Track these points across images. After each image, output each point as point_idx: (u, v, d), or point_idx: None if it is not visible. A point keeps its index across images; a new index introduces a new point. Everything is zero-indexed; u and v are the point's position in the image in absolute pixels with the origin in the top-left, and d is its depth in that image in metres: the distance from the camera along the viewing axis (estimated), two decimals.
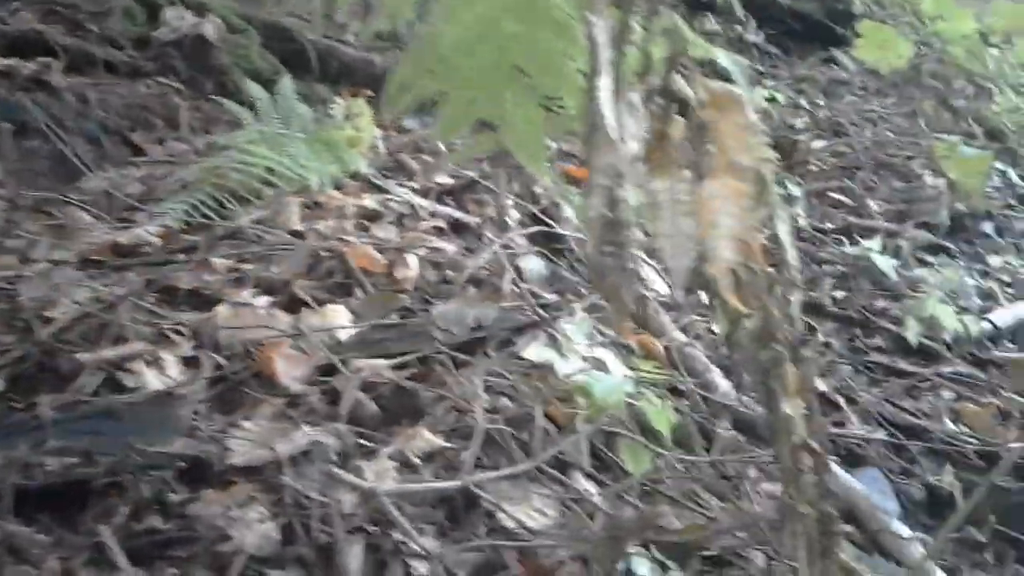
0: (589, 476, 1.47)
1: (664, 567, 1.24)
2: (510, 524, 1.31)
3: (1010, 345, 2.98)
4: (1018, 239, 3.63)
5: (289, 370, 1.55)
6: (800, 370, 1.00)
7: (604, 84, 0.81)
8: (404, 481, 1.34)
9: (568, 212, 2.66)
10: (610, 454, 1.55)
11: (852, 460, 2.35)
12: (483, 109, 1.04)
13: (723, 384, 2.06)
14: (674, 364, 2.07)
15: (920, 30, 4.91)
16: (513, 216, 2.61)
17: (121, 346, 1.52)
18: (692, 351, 2.20)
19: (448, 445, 1.42)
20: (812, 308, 2.97)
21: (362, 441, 1.42)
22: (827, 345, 2.82)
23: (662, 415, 1.54)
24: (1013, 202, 3.94)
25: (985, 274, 3.35)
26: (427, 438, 1.42)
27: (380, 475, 1.32)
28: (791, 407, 1.00)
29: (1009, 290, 3.26)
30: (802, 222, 3.33)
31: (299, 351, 1.60)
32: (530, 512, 1.36)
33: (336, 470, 1.24)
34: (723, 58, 1.00)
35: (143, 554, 1.19)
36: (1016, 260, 3.36)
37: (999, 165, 4.31)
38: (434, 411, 1.50)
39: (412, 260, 1.94)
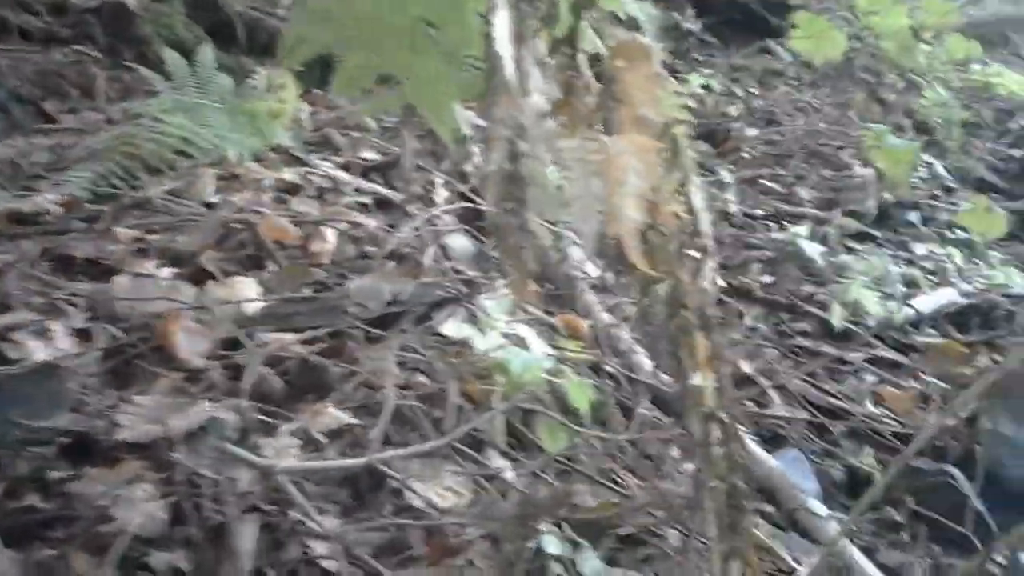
0: (504, 454, 1.43)
1: (576, 545, 1.20)
2: (418, 503, 1.26)
3: (931, 331, 3.03)
4: (942, 228, 3.70)
5: (190, 344, 1.47)
6: (710, 340, 0.96)
7: (501, 22, 0.76)
8: (307, 459, 1.27)
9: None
10: (527, 432, 1.51)
11: (774, 441, 2.35)
12: (384, 63, 0.98)
13: (647, 364, 2.04)
14: (599, 344, 2.05)
15: (854, 23, 4.97)
16: (441, 194, 2.55)
17: (5, 315, 1.42)
18: (617, 331, 2.18)
19: (356, 422, 1.36)
20: (741, 292, 2.98)
21: (264, 417, 1.35)
22: (754, 329, 2.83)
23: (581, 393, 1.50)
24: (938, 192, 4.01)
25: (910, 262, 3.40)
26: (334, 414, 1.36)
27: (281, 452, 1.25)
28: (701, 378, 0.97)
29: (932, 277, 3.31)
30: (733, 208, 3.34)
31: (202, 324, 1.52)
32: (441, 491, 1.31)
33: (230, 447, 1.17)
34: (633, 7, 0.95)
35: (18, 534, 1.11)
36: (939, 248, 3.42)
37: (926, 157, 4.40)
38: (343, 387, 1.43)
39: (329, 234, 1.87)
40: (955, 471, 2.36)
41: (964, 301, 3.12)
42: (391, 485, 1.28)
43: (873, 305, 2.85)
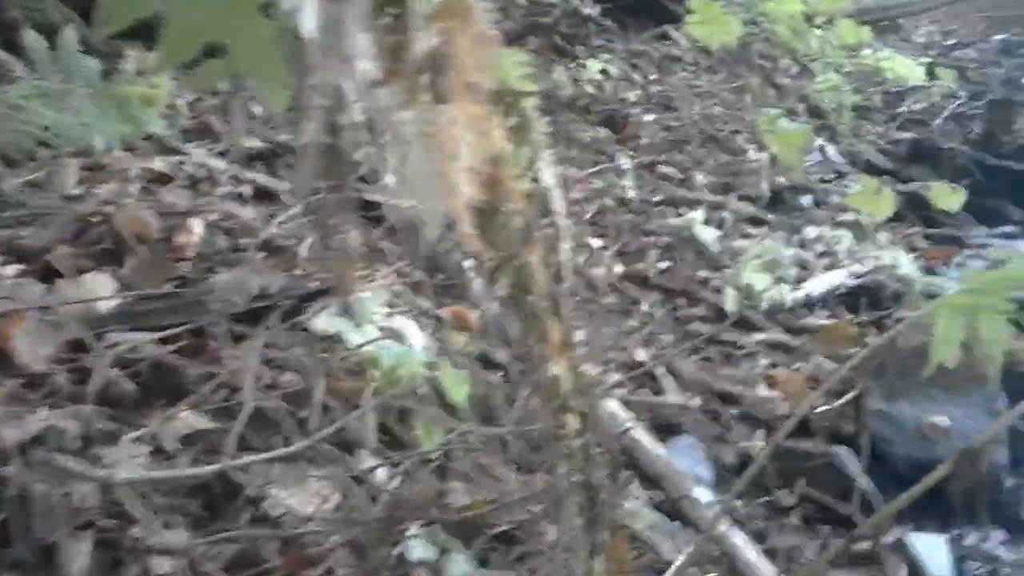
0: (377, 454, 1.36)
1: (444, 549, 1.14)
2: (278, 511, 1.18)
3: (822, 312, 3.09)
4: (834, 212, 3.78)
5: (32, 347, 1.35)
6: (563, 325, 0.92)
7: None
8: (156, 468, 1.18)
9: (387, 179, 2.53)
10: (403, 430, 1.44)
11: (669, 428, 2.36)
12: (208, 28, 0.89)
13: None
14: (488, 334, 2.00)
15: (750, 9, 5.04)
16: None
17: None
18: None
19: (213, 426, 1.28)
20: (637, 279, 2.98)
21: (112, 424, 1.25)
22: (650, 315, 2.83)
23: (458, 386, 1.45)
24: (830, 176, 4.10)
25: (802, 245, 3.46)
26: (187, 419, 1.27)
27: (125, 461, 1.16)
28: (554, 366, 0.93)
29: (824, 260, 3.38)
30: (630, 194, 3.34)
31: (47, 326, 1.41)
32: (306, 496, 1.24)
33: (58, 457, 1.07)
34: None
35: None
36: (830, 231, 3.49)
37: (819, 141, 4.50)
38: (201, 389, 1.34)
39: (196, 226, 1.76)
40: (843, 451, 2.40)
41: (853, 282, 3.20)
42: (249, 493, 1.20)
43: (764, 288, 2.89)
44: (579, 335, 0.98)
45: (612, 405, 1.83)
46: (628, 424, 1.76)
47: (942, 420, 2.50)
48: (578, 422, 0.92)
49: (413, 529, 1.15)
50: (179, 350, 1.40)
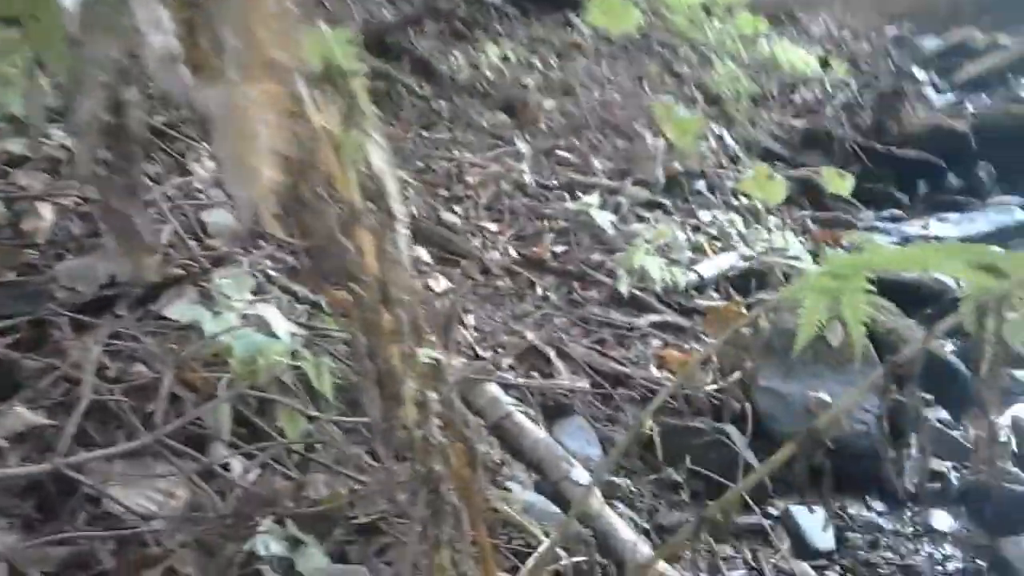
0: (234, 447, 1.30)
1: (297, 543, 1.09)
2: (117, 510, 1.11)
3: (714, 294, 3.14)
4: (728, 196, 3.84)
5: None
6: (395, 314, 0.88)
7: None
8: None
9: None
10: (266, 422, 1.38)
11: (559, 410, 2.35)
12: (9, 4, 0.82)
13: None
14: None
15: None
16: (206, 165, 2.35)
17: None
18: None
19: (49, 422, 1.19)
20: (533, 263, 2.96)
21: None
22: (545, 298, 2.82)
23: (323, 375, 1.39)
24: (725, 162, 4.17)
25: (696, 228, 3.50)
26: (21, 415, 1.18)
27: None
28: (388, 356, 0.89)
29: (717, 243, 3.43)
30: (527, 178, 3.32)
31: None
32: (151, 493, 1.17)
33: None
34: None
35: None
36: (723, 215, 3.54)
37: (716, 128, 4.58)
38: (38, 383, 1.25)
39: (46, 210, 1.65)
40: (730, 428, 2.44)
41: (744, 265, 3.26)
42: (87, 492, 1.12)
43: (656, 270, 2.91)
44: (416, 323, 0.94)
45: (493, 389, 1.80)
46: (509, 409, 1.73)
47: (826, 396, 2.56)
48: (416, 412, 0.88)
49: (265, 524, 1.09)
50: (16, 342, 1.31)
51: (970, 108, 4.95)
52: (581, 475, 1.61)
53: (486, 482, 1.36)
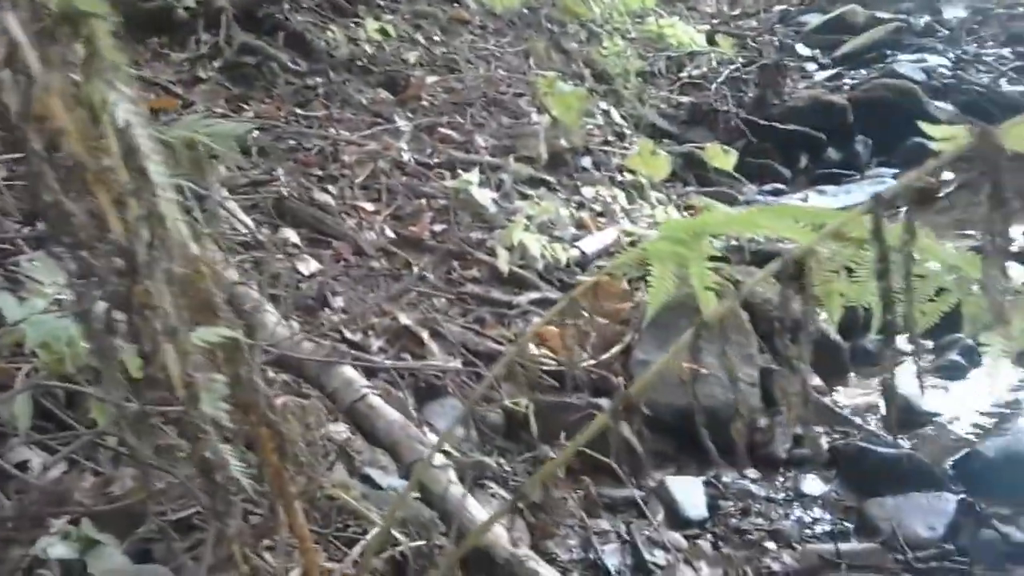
0: (38, 444, 1.19)
1: (91, 544, 1.00)
2: None
3: (596, 269, 3.13)
4: (613, 172, 3.84)
5: None
6: (149, 287, 0.79)
7: None
8: None
9: None
10: (79, 415, 1.28)
11: (432, 392, 2.30)
12: None
13: (271, 322, 1.87)
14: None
15: None
16: None
17: None
18: (245, 290, 1.99)
19: None
20: (411, 242, 2.89)
21: None
22: (423, 278, 2.75)
23: (136, 361, 1.29)
24: (612, 138, 4.17)
25: (581, 205, 3.49)
26: None
27: None
28: (149, 332, 0.81)
29: (601, 219, 3.43)
30: (406, 156, 3.23)
31: None
32: None
33: None
34: None
35: None
36: (607, 191, 3.53)
37: (603, 104, 4.57)
38: None
39: None
40: (607, 403, 2.43)
41: (626, 240, 3.25)
42: None
43: (536, 247, 2.88)
44: (204, 299, 0.86)
45: (347, 372, 1.72)
46: (364, 391, 1.66)
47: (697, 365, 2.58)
48: (185, 394, 0.80)
49: (57, 525, 1.00)
50: None
51: (849, 82, 5.09)
52: (436, 457, 1.55)
53: (323, 469, 1.29)
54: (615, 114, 4.47)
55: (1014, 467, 2.24)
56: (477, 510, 1.54)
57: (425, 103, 3.72)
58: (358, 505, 1.27)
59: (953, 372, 2.79)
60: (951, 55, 5.33)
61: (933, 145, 0.92)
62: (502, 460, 2.23)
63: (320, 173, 3.03)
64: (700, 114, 4.77)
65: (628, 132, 4.36)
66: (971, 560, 1.98)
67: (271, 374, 1.80)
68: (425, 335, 2.40)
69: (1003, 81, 4.92)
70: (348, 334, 2.29)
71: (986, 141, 0.86)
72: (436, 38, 4.25)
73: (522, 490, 1.05)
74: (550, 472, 1.09)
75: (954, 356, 2.81)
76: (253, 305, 1.87)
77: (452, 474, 1.54)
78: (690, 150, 4.26)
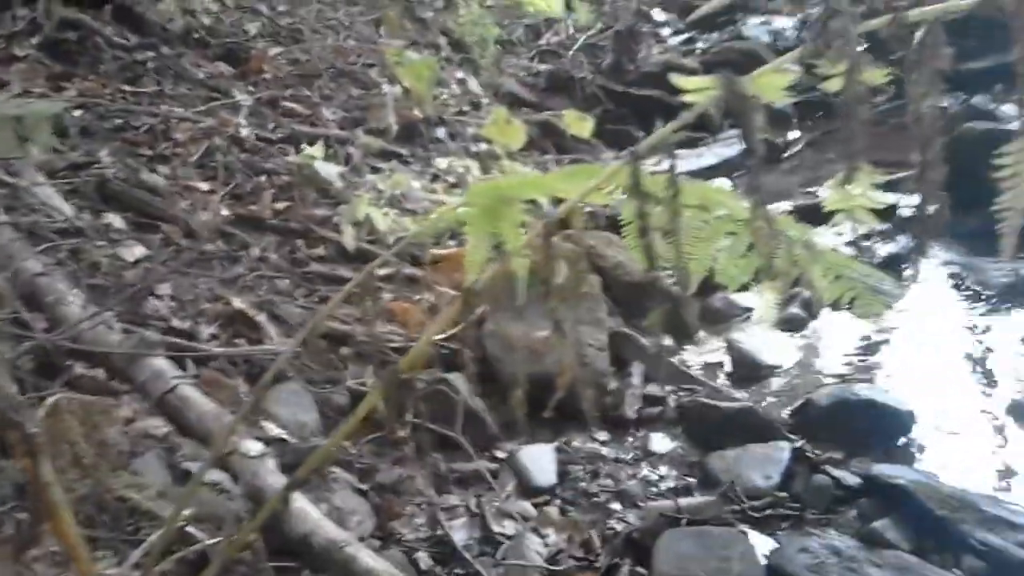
0: None
1: None
2: None
3: (451, 242, 3.08)
4: (468, 142, 3.79)
5: None
6: None
7: None
8: None
9: None
10: None
11: (275, 377, 2.21)
12: None
13: (74, 315, 1.75)
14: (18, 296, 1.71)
15: None
16: None
17: None
18: (48, 281, 1.85)
19: None
20: (250, 222, 2.77)
21: None
22: (263, 259, 2.64)
23: None
24: (467, 108, 4.12)
25: (435, 177, 3.43)
26: None
27: None
28: None
29: (455, 190, 3.38)
30: (245, 132, 3.10)
31: None
32: None
33: None
34: None
35: None
36: (460, 162, 3.48)
37: (459, 74, 4.51)
38: None
39: None
40: (451, 377, 2.40)
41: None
42: None
43: (383, 222, 2.81)
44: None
45: (158, 362, 1.63)
46: (174, 382, 1.57)
47: (548, 333, 2.58)
48: None
49: None
50: None
51: (701, 46, 5.19)
52: (252, 447, 1.49)
53: (112, 468, 1.20)
54: (472, 83, 4.41)
55: (846, 413, 2.34)
56: (302, 500, 1.48)
57: (268, 76, 3.58)
58: (151, 505, 1.20)
59: (793, 324, 2.89)
60: (796, 17, 5.51)
61: (686, 97, 0.91)
62: (346, 443, 2.18)
63: (150, 153, 2.86)
64: (558, 82, 4.76)
65: (486, 101, 4.32)
66: (803, 506, 2.05)
67: (80, 370, 1.69)
68: (262, 318, 2.31)
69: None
70: (176, 322, 2.17)
71: (733, 91, 0.86)
72: (281, 8, 4.08)
73: (295, 478, 1.00)
74: (323, 456, 1.05)
75: (794, 309, 2.90)
76: (56, 297, 1.73)
77: (271, 464, 1.47)
78: (547, 118, 4.26)
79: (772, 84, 0.91)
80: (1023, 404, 2.33)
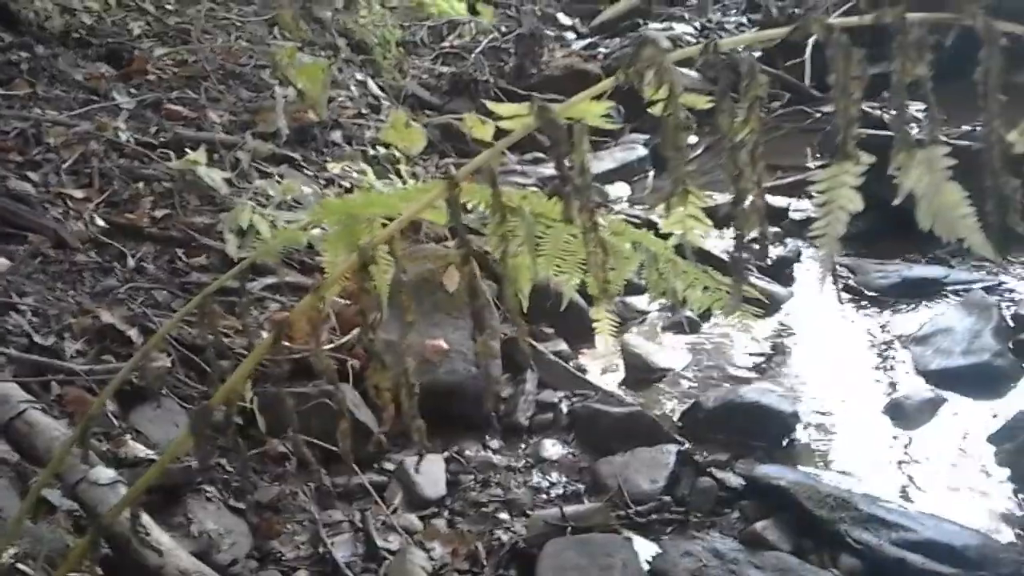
0: None
1: None
2: None
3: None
4: (365, 146, 3.72)
5: None
6: None
7: None
8: None
9: None
10: None
11: (139, 395, 2.10)
12: None
13: None
14: None
15: None
16: None
17: None
18: None
19: None
20: (127, 231, 2.64)
21: None
22: (139, 270, 2.53)
23: None
24: (366, 111, 4.05)
25: (329, 182, 3.35)
26: None
27: None
28: None
29: (350, 196, 3.31)
30: (125, 136, 2.96)
31: None
32: None
33: None
34: None
35: None
36: (355, 167, 3.42)
37: (359, 75, 4.43)
38: None
39: None
40: (334, 388, 2.34)
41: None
42: None
43: (268, 229, 2.72)
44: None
45: (4, 386, 1.52)
46: (22, 406, 1.47)
47: (440, 342, 2.55)
48: None
49: None
50: None
51: (603, 51, 5.22)
52: (102, 475, 1.40)
53: None
54: (372, 85, 4.34)
55: (732, 415, 2.37)
56: (155, 529, 1.40)
57: (152, 77, 3.44)
58: None
59: (687, 327, 2.92)
60: (697, 23, 5.61)
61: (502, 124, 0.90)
62: (223, 460, 2.09)
63: (19, 159, 2.71)
64: (461, 84, 4.73)
65: (386, 104, 4.25)
66: (688, 509, 2.06)
67: None
68: (133, 333, 2.20)
69: None
70: (39, 338, 2.05)
71: (546, 119, 0.84)
72: (168, 7, 3.94)
73: (98, 522, 0.93)
74: (133, 498, 0.98)
75: (688, 312, 2.93)
76: None
77: (123, 491, 1.39)
78: (448, 121, 4.22)
79: (591, 111, 0.89)
80: (900, 404, 2.40)
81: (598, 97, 0.98)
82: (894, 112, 0.85)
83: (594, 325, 1.17)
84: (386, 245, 1.29)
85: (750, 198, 0.93)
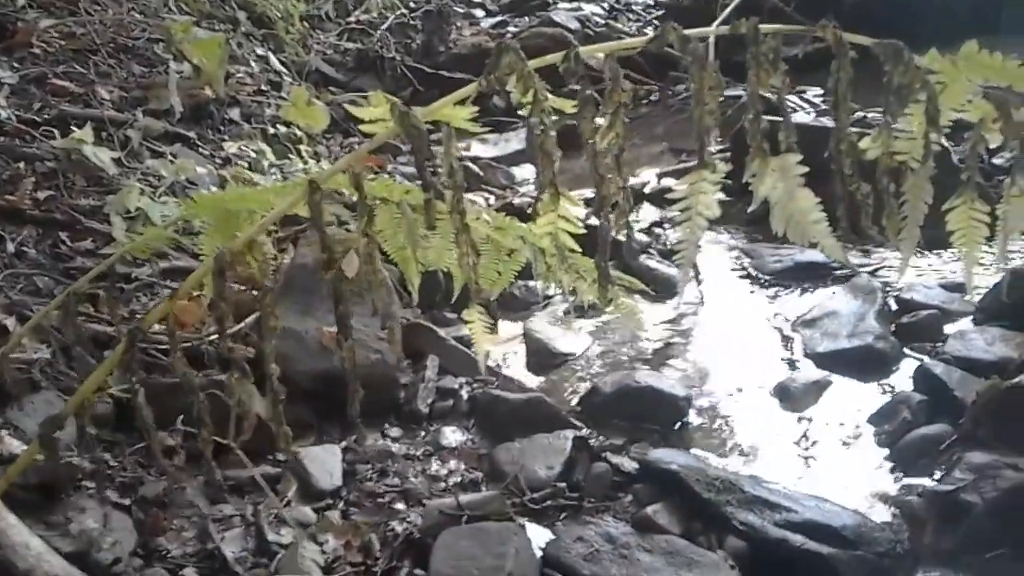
0: None
1: None
2: None
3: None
4: (265, 124, 3.62)
5: None
6: None
7: None
8: None
9: None
10: None
11: (20, 388, 2.02)
12: None
13: None
14: None
15: None
16: None
17: None
18: None
19: None
20: (6, 214, 2.52)
21: None
22: (19, 255, 2.41)
23: None
24: (266, 87, 3.93)
25: (226, 161, 3.25)
26: None
27: None
28: None
29: (250, 175, 3.22)
30: (4, 114, 2.81)
31: None
32: None
33: None
34: None
35: None
36: (253, 146, 3.32)
37: (260, 51, 4.30)
38: None
39: None
40: (226, 377, 2.28)
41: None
42: None
43: (158, 212, 2.63)
44: None
45: None
46: None
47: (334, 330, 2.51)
48: None
49: None
50: None
51: (512, 29, 5.20)
52: None
53: None
54: (274, 61, 4.22)
55: (628, 400, 2.41)
56: (24, 532, 1.34)
57: (37, 51, 3.26)
58: None
59: (588, 312, 2.95)
60: (605, 4, 5.63)
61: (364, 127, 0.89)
62: (107, 455, 2.02)
63: None
64: (367, 61, 4.65)
65: (288, 80, 4.14)
66: (583, 494, 2.09)
67: None
68: (10, 322, 2.10)
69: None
70: None
71: (407, 124, 0.83)
72: None
73: None
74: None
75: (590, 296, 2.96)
76: None
77: None
78: (352, 99, 4.14)
79: (456, 115, 0.89)
80: (788, 386, 2.48)
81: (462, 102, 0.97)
82: (750, 118, 0.87)
83: (468, 328, 1.17)
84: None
85: (614, 200, 0.94)
